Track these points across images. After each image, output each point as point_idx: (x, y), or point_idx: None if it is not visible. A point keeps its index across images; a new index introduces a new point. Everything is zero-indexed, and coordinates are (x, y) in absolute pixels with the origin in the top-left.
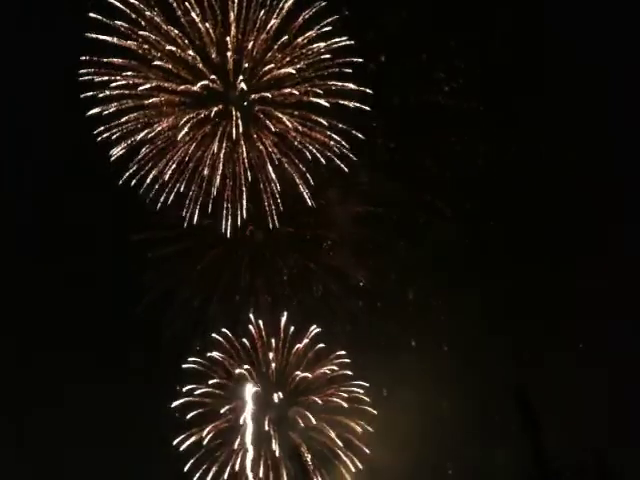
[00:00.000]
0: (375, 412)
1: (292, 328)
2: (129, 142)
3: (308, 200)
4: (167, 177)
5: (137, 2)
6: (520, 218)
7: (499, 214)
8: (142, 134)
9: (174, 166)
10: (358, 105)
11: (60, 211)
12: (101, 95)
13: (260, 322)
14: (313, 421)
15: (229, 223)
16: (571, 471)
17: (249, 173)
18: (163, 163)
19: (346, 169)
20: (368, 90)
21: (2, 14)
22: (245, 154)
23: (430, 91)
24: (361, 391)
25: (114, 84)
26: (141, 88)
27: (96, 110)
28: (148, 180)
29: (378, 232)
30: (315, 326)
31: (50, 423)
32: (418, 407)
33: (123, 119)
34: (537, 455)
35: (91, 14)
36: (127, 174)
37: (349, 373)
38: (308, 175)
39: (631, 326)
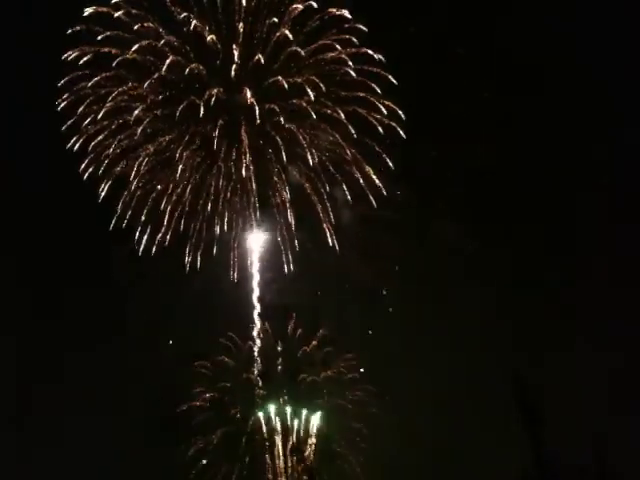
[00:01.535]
0: (378, 413)
1: (300, 331)
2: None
3: (329, 239)
4: (167, 217)
5: (136, 10)
6: (520, 218)
7: (499, 214)
8: (140, 157)
9: (174, 198)
10: (379, 117)
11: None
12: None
13: (267, 325)
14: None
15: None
16: (571, 471)
17: (256, 190)
18: (159, 193)
19: (370, 196)
20: (389, 102)
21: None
22: (252, 170)
23: (432, 95)
24: (365, 392)
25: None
26: (151, 99)
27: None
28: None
29: (383, 234)
30: (323, 330)
31: (50, 423)
32: (419, 407)
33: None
34: (537, 455)
35: (69, 30)
36: (117, 215)
37: (356, 375)
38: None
39: (631, 325)
